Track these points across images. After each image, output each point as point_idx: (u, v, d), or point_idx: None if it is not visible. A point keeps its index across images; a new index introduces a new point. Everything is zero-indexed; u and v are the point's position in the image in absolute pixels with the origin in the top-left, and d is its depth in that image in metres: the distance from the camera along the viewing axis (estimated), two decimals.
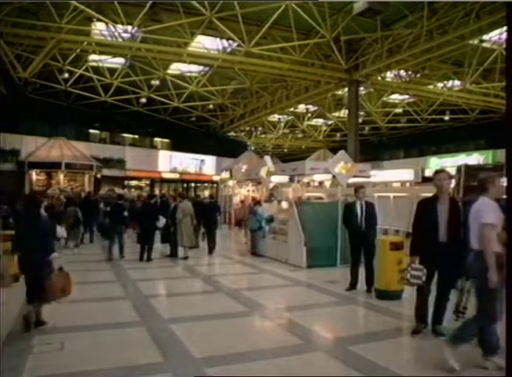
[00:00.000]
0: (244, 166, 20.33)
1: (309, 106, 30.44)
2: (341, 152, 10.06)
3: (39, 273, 4.92)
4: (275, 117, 33.39)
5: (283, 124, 34.82)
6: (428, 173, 26.54)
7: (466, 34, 15.89)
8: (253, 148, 37.69)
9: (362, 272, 7.10)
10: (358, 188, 7.27)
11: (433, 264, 4.63)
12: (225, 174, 23.43)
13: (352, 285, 7.06)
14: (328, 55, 19.98)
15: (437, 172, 4.84)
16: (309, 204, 11.48)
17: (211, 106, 29.86)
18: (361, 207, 7.09)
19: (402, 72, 22.46)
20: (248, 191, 21.91)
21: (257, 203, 12.40)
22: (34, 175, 25.68)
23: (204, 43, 19.27)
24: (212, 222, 12.06)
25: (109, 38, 18.11)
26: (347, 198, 9.50)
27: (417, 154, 32.76)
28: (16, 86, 20.53)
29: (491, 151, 24.27)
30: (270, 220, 10.98)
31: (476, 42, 18.03)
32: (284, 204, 10.82)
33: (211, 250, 11.62)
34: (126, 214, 10.48)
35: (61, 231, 7.80)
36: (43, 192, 20.17)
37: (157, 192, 30.54)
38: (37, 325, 4.95)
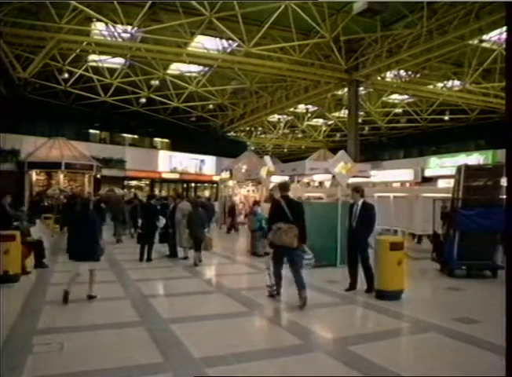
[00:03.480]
0: (244, 166, 20.30)
1: (309, 106, 30.44)
2: (341, 152, 10.05)
3: (200, 238, 9.76)
4: (275, 117, 33.39)
5: (282, 124, 34.82)
6: (428, 173, 26.70)
7: (465, 34, 15.91)
8: (253, 148, 37.69)
9: (360, 271, 7.11)
10: (351, 190, 7.34)
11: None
12: (225, 174, 23.41)
13: (352, 285, 7.04)
14: (328, 55, 19.98)
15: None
16: (309, 204, 11.46)
17: (211, 106, 29.87)
18: (356, 208, 7.10)
19: (402, 72, 22.46)
20: (248, 191, 21.90)
21: (256, 203, 12.41)
22: (34, 175, 25.68)
23: (204, 43, 19.28)
24: None
25: (109, 38, 18.13)
26: (347, 198, 9.50)
27: (417, 154, 32.76)
28: (16, 86, 20.54)
29: (491, 151, 24.28)
30: None
31: (475, 42, 18.04)
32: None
33: None
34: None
35: None
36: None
37: (157, 191, 30.55)
38: (195, 265, 9.51)
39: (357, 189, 7.28)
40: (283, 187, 6.72)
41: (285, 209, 6.14)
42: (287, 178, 16.11)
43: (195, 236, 9.68)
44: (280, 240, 6.06)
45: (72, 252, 6.29)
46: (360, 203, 7.10)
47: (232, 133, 37.33)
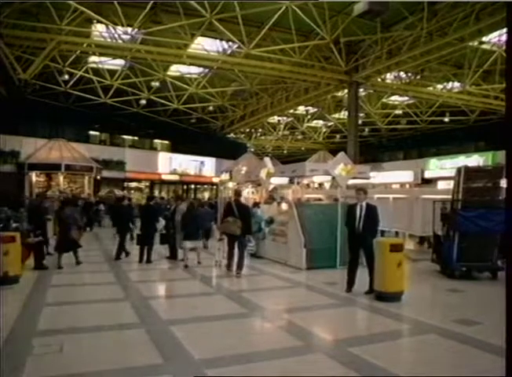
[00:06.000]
0: (244, 168, 20.23)
1: (309, 108, 30.47)
2: (341, 154, 10.05)
3: (209, 228, 12.59)
4: (275, 119, 33.44)
5: (282, 126, 34.86)
6: (428, 174, 26.66)
7: (465, 35, 15.92)
8: (252, 149, 37.72)
9: (359, 273, 7.08)
10: (358, 190, 7.23)
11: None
12: (225, 176, 23.37)
13: (349, 286, 7.01)
14: (328, 57, 20.01)
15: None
16: (309, 206, 11.47)
17: (211, 108, 29.88)
18: (360, 209, 7.04)
19: (402, 74, 22.48)
20: (248, 192, 21.88)
21: (256, 204, 12.37)
22: (34, 177, 25.69)
23: (204, 45, 19.33)
24: None
25: (109, 40, 18.17)
26: (346, 199, 9.52)
27: (416, 155, 32.74)
28: (16, 87, 20.54)
29: (491, 153, 24.23)
30: (270, 221, 10.96)
31: (475, 43, 18.07)
32: (284, 206, 10.80)
33: None
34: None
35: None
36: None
37: (156, 193, 30.56)
38: (205, 247, 11.36)
39: (364, 190, 7.22)
40: (236, 193, 9.39)
41: (234, 208, 8.56)
42: (286, 180, 16.17)
43: (204, 227, 11.50)
44: (227, 229, 8.59)
45: (186, 235, 9.40)
46: (364, 204, 7.05)
47: (232, 135, 37.36)
